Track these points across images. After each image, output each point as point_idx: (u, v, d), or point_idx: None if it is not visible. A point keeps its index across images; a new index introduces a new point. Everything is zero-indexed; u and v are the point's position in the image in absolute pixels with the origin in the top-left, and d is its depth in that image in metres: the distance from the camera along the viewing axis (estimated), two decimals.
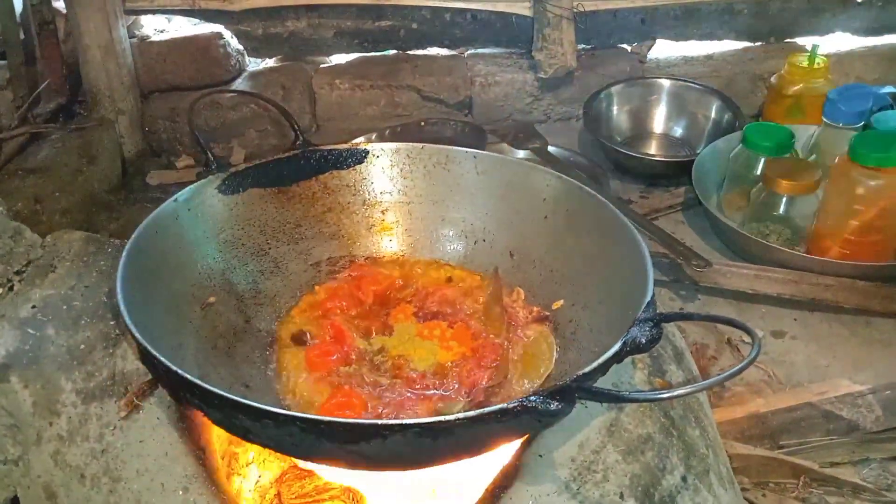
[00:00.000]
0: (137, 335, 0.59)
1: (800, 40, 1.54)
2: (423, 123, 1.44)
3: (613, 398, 0.56)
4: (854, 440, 0.91)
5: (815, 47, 1.33)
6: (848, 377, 0.96)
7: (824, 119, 1.19)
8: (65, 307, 0.75)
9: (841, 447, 0.91)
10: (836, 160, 1.08)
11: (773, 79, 1.39)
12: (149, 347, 0.58)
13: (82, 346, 0.72)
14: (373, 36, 1.54)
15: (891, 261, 1.10)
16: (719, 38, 1.56)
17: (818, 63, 1.32)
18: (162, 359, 0.57)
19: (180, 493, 0.63)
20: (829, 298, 1.07)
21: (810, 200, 1.14)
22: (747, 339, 1.04)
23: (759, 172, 1.19)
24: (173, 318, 0.70)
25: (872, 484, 0.87)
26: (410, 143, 0.88)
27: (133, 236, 0.69)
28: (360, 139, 1.36)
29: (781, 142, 1.19)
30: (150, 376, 0.68)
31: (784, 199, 1.15)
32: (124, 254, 0.66)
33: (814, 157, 1.21)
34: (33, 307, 0.75)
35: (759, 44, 1.56)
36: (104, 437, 0.66)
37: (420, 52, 1.58)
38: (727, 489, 0.70)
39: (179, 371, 0.56)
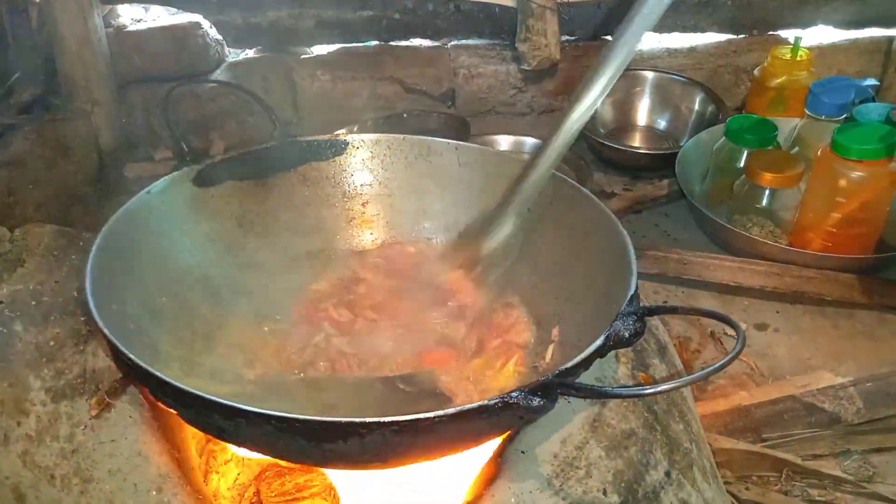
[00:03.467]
0: (107, 332, 0.57)
1: (782, 33, 1.54)
2: (405, 115, 1.43)
3: (597, 394, 0.55)
4: (836, 432, 0.91)
5: (797, 40, 1.33)
6: (830, 369, 0.97)
7: (807, 111, 1.19)
8: (34, 303, 0.73)
9: (823, 440, 0.91)
10: (819, 152, 1.08)
11: (756, 71, 1.39)
12: (119, 345, 0.56)
13: (52, 343, 0.70)
14: (355, 26, 1.52)
15: (872, 253, 1.10)
16: (702, 30, 1.56)
17: (801, 55, 1.32)
18: (133, 357, 0.55)
19: (154, 493, 0.61)
20: (811, 291, 1.07)
21: (793, 193, 1.14)
22: (730, 331, 1.04)
23: (742, 165, 1.19)
24: (146, 313, 0.68)
25: (853, 476, 0.88)
26: (391, 135, 0.86)
27: (103, 230, 0.67)
28: (341, 130, 1.34)
29: (764, 134, 1.19)
30: (121, 374, 0.67)
31: (767, 192, 1.15)
32: (94, 248, 0.64)
33: (796, 149, 1.21)
34: (0, 303, 0.73)
35: (742, 36, 1.56)
36: (75, 436, 0.64)
37: (403, 43, 1.56)
38: (711, 483, 0.70)
39: (150, 369, 0.54)
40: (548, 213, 0.78)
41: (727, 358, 0.50)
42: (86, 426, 0.65)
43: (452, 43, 1.56)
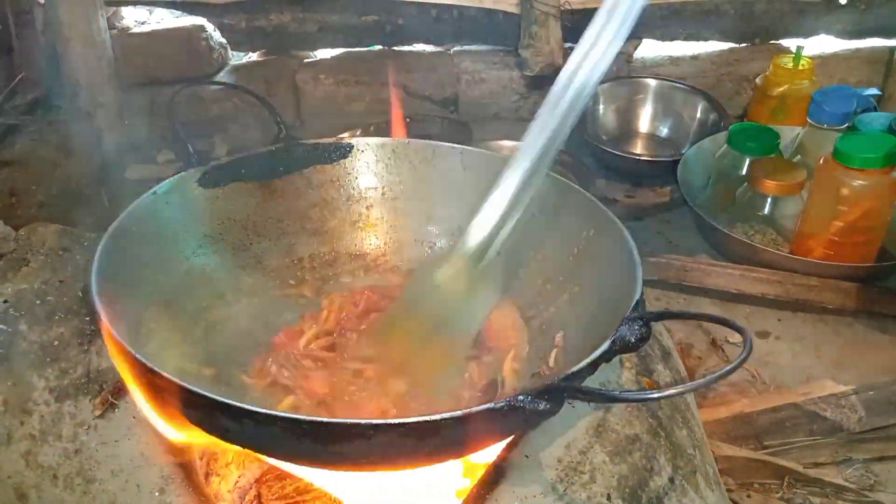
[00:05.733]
0: (113, 331, 0.57)
1: (784, 42, 1.55)
2: (408, 120, 1.43)
3: (603, 398, 0.55)
4: (837, 440, 0.91)
5: (799, 49, 1.34)
6: (831, 378, 0.97)
7: (809, 120, 1.20)
8: (38, 302, 0.73)
9: (824, 447, 0.91)
10: (821, 161, 1.08)
11: (758, 80, 1.39)
12: (125, 344, 0.56)
13: (56, 343, 0.70)
14: (358, 31, 1.52)
15: (874, 262, 1.11)
16: (705, 39, 1.56)
17: (803, 65, 1.33)
18: (138, 356, 0.55)
19: (156, 494, 0.61)
20: (813, 299, 1.07)
21: (795, 201, 1.14)
22: (732, 339, 1.04)
23: (744, 173, 1.19)
24: (151, 313, 0.68)
25: (855, 484, 0.87)
26: (396, 138, 0.87)
27: (109, 229, 0.67)
28: (345, 134, 1.34)
29: (766, 142, 1.19)
30: None
31: (769, 200, 1.15)
32: (100, 247, 0.64)
33: (798, 157, 1.22)
34: (5, 302, 0.73)
35: (744, 45, 1.56)
36: (78, 436, 0.64)
37: (406, 48, 1.56)
38: (714, 490, 0.70)
39: (156, 368, 0.54)
40: (552, 217, 0.78)
41: (735, 362, 0.50)
42: (89, 426, 0.64)
43: (455, 48, 1.57)
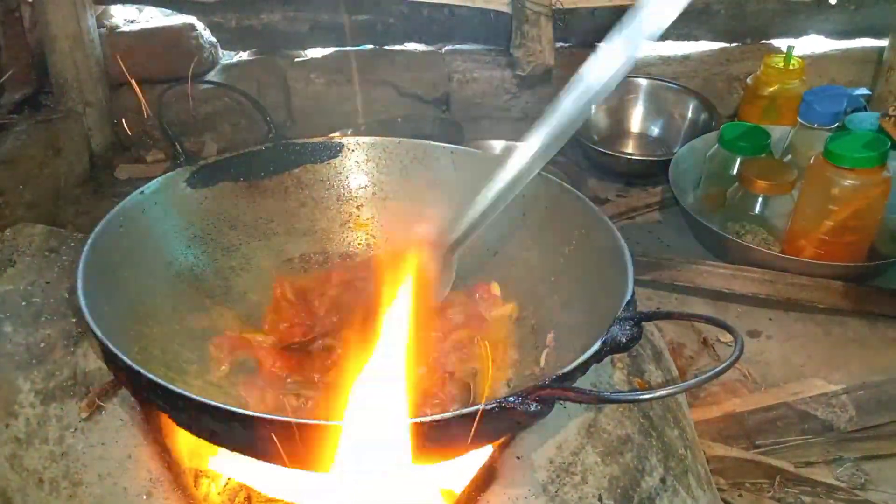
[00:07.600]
0: (99, 333, 0.56)
1: (775, 42, 1.56)
2: (399, 119, 1.42)
3: (594, 399, 0.55)
4: (828, 440, 0.91)
5: (790, 49, 1.34)
6: (822, 377, 0.97)
7: (799, 120, 1.20)
8: (24, 303, 0.72)
9: (816, 447, 0.91)
10: (812, 160, 1.08)
11: (748, 79, 1.39)
12: (111, 346, 0.55)
13: (42, 345, 0.69)
14: (350, 30, 1.52)
15: (865, 261, 1.11)
16: (696, 39, 1.57)
17: (793, 64, 1.33)
18: (125, 358, 0.54)
19: (144, 497, 0.60)
20: (803, 298, 1.07)
21: (786, 200, 1.14)
22: (724, 338, 1.04)
23: (735, 172, 1.19)
24: (138, 315, 0.67)
25: (846, 483, 0.88)
26: (387, 138, 0.86)
27: (96, 230, 0.66)
28: (335, 134, 1.34)
29: (757, 142, 1.20)
30: (112, 376, 0.66)
31: (760, 199, 1.15)
32: (86, 248, 0.63)
33: (789, 157, 1.22)
34: None
35: (735, 44, 1.57)
36: (64, 439, 0.63)
37: (397, 47, 1.56)
38: (705, 490, 0.70)
39: (143, 371, 0.53)
40: (544, 217, 0.78)
41: (727, 363, 0.50)
42: (76, 429, 0.64)
43: (447, 48, 1.56)
